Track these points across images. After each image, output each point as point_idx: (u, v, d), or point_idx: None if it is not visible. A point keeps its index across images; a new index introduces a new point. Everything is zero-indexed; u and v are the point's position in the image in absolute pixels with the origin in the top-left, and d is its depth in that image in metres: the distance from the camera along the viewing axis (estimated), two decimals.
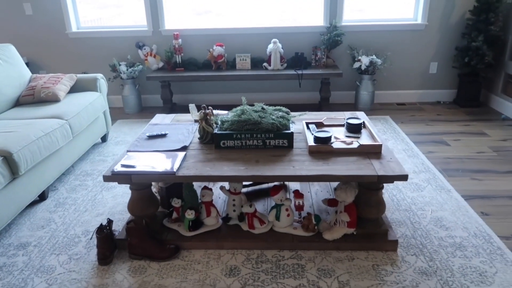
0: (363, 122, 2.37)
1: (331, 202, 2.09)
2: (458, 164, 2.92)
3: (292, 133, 2.12)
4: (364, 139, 2.20)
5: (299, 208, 2.08)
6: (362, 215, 2.02)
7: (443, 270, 1.87)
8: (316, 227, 2.03)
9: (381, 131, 3.55)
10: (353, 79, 4.30)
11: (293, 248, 2.01)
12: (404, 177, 1.83)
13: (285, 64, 4.07)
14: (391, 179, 1.85)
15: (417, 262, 1.92)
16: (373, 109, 4.19)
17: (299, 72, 3.90)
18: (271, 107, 2.31)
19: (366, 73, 4.07)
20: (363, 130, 2.33)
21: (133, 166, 1.90)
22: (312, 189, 2.51)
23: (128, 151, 2.12)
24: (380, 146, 2.06)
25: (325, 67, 4.09)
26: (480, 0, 3.85)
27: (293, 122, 2.29)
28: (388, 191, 2.56)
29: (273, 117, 2.20)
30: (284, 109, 2.34)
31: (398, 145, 3.26)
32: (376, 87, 4.31)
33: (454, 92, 4.35)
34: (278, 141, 2.13)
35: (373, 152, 2.06)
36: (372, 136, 2.20)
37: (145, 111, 4.38)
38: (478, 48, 3.88)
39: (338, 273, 1.86)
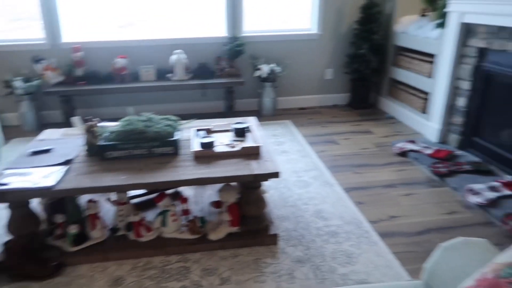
0: (248, 126, 2.53)
1: (216, 204, 2.20)
2: (344, 160, 3.21)
3: (177, 140, 2.21)
4: (248, 142, 2.35)
5: (186, 212, 2.16)
6: (245, 213, 2.16)
7: (316, 256, 2.06)
8: (202, 229, 2.13)
9: (281, 135, 3.78)
10: (256, 87, 4.51)
11: (180, 252, 2.09)
12: (275, 174, 2.00)
13: (190, 75, 4.16)
14: (265, 177, 2.01)
15: (295, 252, 2.09)
16: (276, 115, 4.43)
17: (203, 82, 4.02)
18: (159, 116, 2.38)
19: (267, 81, 4.30)
20: (248, 134, 2.49)
21: (5, 184, 1.85)
22: (206, 193, 2.61)
23: (5, 169, 2.06)
24: (259, 147, 2.22)
25: (229, 76, 4.25)
26: (364, 12, 4.27)
27: (180, 130, 2.38)
28: (278, 190, 2.74)
29: (159, 125, 2.27)
30: (172, 117, 2.41)
31: (294, 146, 3.50)
32: (278, 93, 4.56)
33: (348, 95, 4.74)
34: (164, 149, 2.20)
35: (254, 153, 2.22)
36: (255, 139, 2.36)
37: (45, 128, 4.19)
38: (364, 55, 4.30)
39: (221, 271, 1.97)
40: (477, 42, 2.93)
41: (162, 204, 2.08)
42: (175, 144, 2.21)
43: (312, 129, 3.95)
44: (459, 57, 3.13)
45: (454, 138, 3.28)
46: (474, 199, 2.46)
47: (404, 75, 4.06)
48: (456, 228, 2.31)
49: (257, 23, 4.45)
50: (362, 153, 3.36)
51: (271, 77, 4.28)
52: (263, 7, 4.41)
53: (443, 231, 2.27)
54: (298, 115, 4.42)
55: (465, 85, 3.09)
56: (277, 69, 4.24)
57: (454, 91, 3.24)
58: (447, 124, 3.36)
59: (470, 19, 2.94)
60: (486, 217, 2.40)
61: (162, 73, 4.19)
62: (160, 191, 2.17)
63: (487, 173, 2.81)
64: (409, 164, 3.13)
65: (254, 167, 2.04)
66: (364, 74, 4.39)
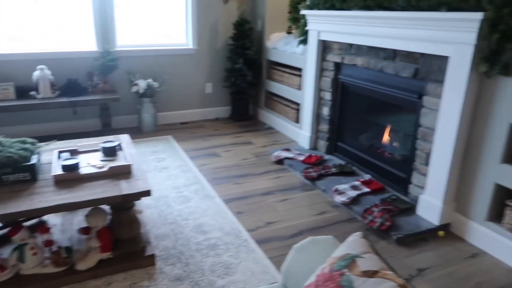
0: (119, 144, 2.41)
1: (84, 230, 2.03)
2: (225, 172, 3.27)
3: (33, 164, 1.99)
4: (119, 161, 2.24)
5: (48, 243, 1.95)
6: (118, 237, 2.04)
7: (195, 272, 2.04)
8: (68, 260, 1.94)
9: (161, 151, 3.69)
10: (135, 103, 4.35)
11: None
12: (147, 193, 1.93)
13: (57, 92, 3.82)
14: (135, 196, 1.93)
15: (173, 271, 2.04)
16: (158, 130, 4.32)
17: (73, 99, 3.72)
18: (12, 140, 2.12)
19: (145, 96, 4.17)
20: (120, 153, 2.37)
21: None
22: (76, 219, 2.40)
23: None
24: (130, 166, 2.13)
25: (103, 93, 4.01)
26: (237, 28, 4.44)
27: (39, 153, 2.15)
28: (158, 207, 2.66)
29: (12, 150, 2.02)
30: (29, 140, 2.18)
31: (175, 162, 3.44)
32: (158, 109, 4.46)
33: (229, 108, 4.87)
34: (18, 175, 1.97)
35: (124, 172, 2.11)
36: (126, 158, 2.25)
37: None
38: (240, 70, 4.46)
39: None
40: (333, 57, 3.27)
41: (18, 238, 1.85)
42: (31, 169, 1.99)
43: (194, 143, 3.95)
44: (320, 71, 3.44)
45: (322, 144, 3.58)
46: (339, 199, 2.70)
47: (278, 88, 4.32)
48: (326, 227, 2.51)
49: (132, 37, 4.31)
50: (242, 164, 3.46)
51: (149, 93, 4.16)
52: (137, 22, 4.29)
53: (314, 231, 2.45)
54: (180, 130, 4.37)
55: (327, 95, 3.41)
56: (155, 84, 4.15)
57: (319, 101, 3.55)
58: (316, 132, 3.66)
59: (325, 37, 3.26)
60: (350, 214, 2.65)
61: (24, 91, 3.77)
62: (16, 223, 1.93)
63: (350, 174, 3.13)
64: (285, 171, 3.32)
65: (123, 187, 1.95)
66: (242, 87, 4.55)
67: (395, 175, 2.85)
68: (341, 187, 2.86)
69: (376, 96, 2.97)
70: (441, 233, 2.40)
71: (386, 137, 3.15)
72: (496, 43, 1.92)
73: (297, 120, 4.03)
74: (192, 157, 3.57)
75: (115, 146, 2.32)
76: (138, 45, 4.33)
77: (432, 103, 2.41)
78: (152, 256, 2.08)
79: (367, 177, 3.02)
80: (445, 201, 2.38)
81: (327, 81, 3.38)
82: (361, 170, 3.19)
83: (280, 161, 3.47)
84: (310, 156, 3.41)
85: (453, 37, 2.13)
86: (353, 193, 2.77)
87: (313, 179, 3.04)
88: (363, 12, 2.72)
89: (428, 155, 2.49)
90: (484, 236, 2.25)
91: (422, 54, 2.43)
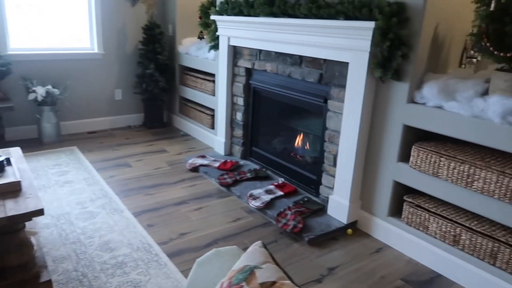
0: (7, 159, 2.14)
1: None
2: (136, 183, 3.10)
3: None
4: (6, 178, 1.98)
5: None
6: (6, 264, 1.80)
7: None
8: None
9: (65, 163, 3.39)
10: (33, 112, 3.95)
11: None
12: (38, 212, 1.73)
13: None
14: (24, 217, 1.72)
15: None
16: (62, 141, 3.97)
17: None
18: None
19: (45, 104, 3.81)
20: (8, 168, 2.10)
21: None
22: None
23: None
24: (19, 183, 1.90)
25: None
26: (147, 32, 4.27)
27: None
28: (58, 226, 2.42)
29: None
30: None
31: (80, 175, 3.18)
32: (61, 117, 4.10)
33: (142, 115, 4.66)
34: None
35: (12, 190, 1.87)
36: (15, 174, 2.01)
37: None
38: (151, 75, 4.29)
39: None
40: (244, 63, 3.28)
41: None
42: None
43: (102, 154, 3.69)
44: (232, 76, 3.44)
45: (238, 149, 3.57)
46: (254, 204, 2.70)
47: (192, 94, 4.24)
48: (240, 233, 2.48)
49: (28, 40, 3.91)
50: (155, 173, 3.31)
51: (49, 100, 3.81)
52: (34, 23, 3.91)
53: (229, 239, 2.41)
54: (88, 140, 4.07)
55: (240, 101, 3.42)
56: (55, 91, 3.81)
57: (232, 107, 3.54)
58: (230, 137, 3.64)
59: (235, 43, 3.27)
60: (265, 218, 2.66)
61: None
62: None
63: (265, 178, 3.15)
64: (200, 178, 3.25)
65: (9, 208, 1.72)
66: (154, 93, 4.38)
67: (307, 177, 2.94)
68: (256, 192, 2.86)
69: (287, 101, 3.04)
70: (349, 231, 2.51)
71: (298, 141, 3.23)
72: (387, 50, 2.06)
73: (212, 126, 3.98)
74: (100, 169, 3.33)
75: (2, 161, 2.06)
76: (35, 48, 3.95)
77: (336, 107, 2.52)
78: (49, 282, 1.86)
79: (281, 180, 3.07)
80: (351, 200, 2.50)
81: (239, 86, 3.39)
82: (275, 174, 3.23)
83: (195, 169, 3.39)
84: (225, 162, 3.38)
85: (351, 44, 2.25)
86: (267, 197, 2.79)
87: (228, 186, 3.01)
88: (270, 19, 2.77)
89: (335, 156, 2.60)
90: (387, 231, 2.40)
91: (325, 60, 2.54)
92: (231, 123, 3.60)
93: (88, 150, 3.77)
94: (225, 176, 3.12)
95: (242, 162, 3.46)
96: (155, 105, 4.52)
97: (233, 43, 3.29)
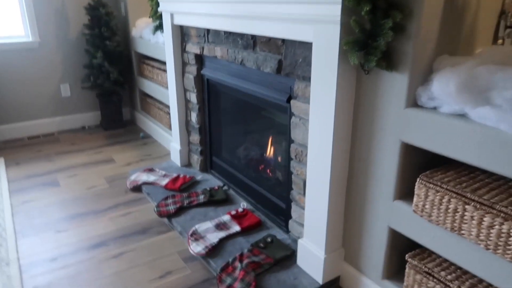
0: None
1: None
2: (53, 212, 2.34)
3: None
4: None
5: None
6: None
7: None
8: None
9: None
10: None
11: None
12: None
13: None
14: None
15: None
16: None
17: None
18: None
19: None
20: None
21: None
22: None
23: None
24: None
25: None
26: (91, 13, 3.45)
27: None
28: None
29: None
30: None
31: None
32: None
33: (99, 114, 3.89)
34: None
35: None
36: None
37: None
38: (100, 66, 3.50)
39: None
40: (192, 47, 2.44)
41: None
42: None
43: (31, 168, 2.95)
44: (182, 65, 2.61)
45: (196, 159, 2.77)
46: (194, 249, 1.91)
47: (149, 87, 3.43)
48: None
49: None
50: (84, 195, 2.55)
51: None
52: None
53: None
54: (24, 148, 3.33)
55: (193, 97, 2.60)
56: None
57: (186, 104, 2.72)
58: (187, 144, 2.84)
59: (180, 21, 2.42)
60: (207, 271, 1.87)
61: None
62: None
63: (223, 202, 2.35)
64: (140, 202, 2.47)
65: None
66: (105, 88, 3.60)
67: (275, 205, 2.12)
68: (202, 227, 2.07)
69: (245, 98, 2.20)
70: None
71: (269, 150, 2.41)
72: (369, 20, 1.20)
73: (171, 127, 3.19)
74: (15, 191, 2.59)
75: None
76: None
77: (302, 110, 1.68)
78: None
79: (243, 206, 2.26)
80: (328, 249, 1.68)
81: (190, 78, 2.56)
82: (239, 195, 2.43)
83: (137, 188, 2.61)
84: (176, 179, 2.59)
85: (314, 12, 1.39)
86: (216, 236, 1.99)
87: (169, 216, 2.22)
88: None
89: (304, 182, 1.78)
90: None
91: (284, 41, 1.68)
92: (186, 125, 2.79)
93: (16, 163, 3.03)
94: (169, 201, 2.33)
95: (200, 177, 2.66)
96: (110, 101, 3.73)
97: (177, 21, 2.45)
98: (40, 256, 1.95)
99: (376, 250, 1.56)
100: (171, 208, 2.26)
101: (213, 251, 1.90)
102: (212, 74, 2.39)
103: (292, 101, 1.73)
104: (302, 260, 1.79)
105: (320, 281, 1.70)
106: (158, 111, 3.38)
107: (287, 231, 2.03)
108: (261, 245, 1.91)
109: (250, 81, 2.03)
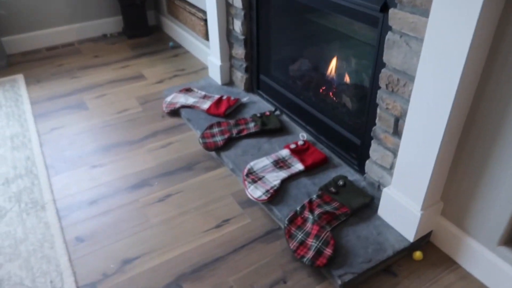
0: None
1: None
2: (81, 144, 2.06)
3: None
4: None
5: None
6: None
7: None
8: None
9: None
10: None
11: None
12: None
13: None
14: None
15: None
16: (9, 65, 2.90)
17: None
18: None
19: None
20: None
21: None
22: None
23: None
24: None
25: None
26: None
27: None
28: None
29: None
30: None
31: (8, 127, 2.17)
32: (4, 31, 2.97)
33: (121, 19, 3.40)
34: None
35: None
36: None
37: None
38: None
39: None
40: None
41: None
42: None
43: (53, 86, 2.61)
44: None
45: (239, 77, 2.36)
46: (253, 193, 1.62)
47: None
48: (224, 258, 1.46)
49: None
50: (116, 121, 2.23)
51: None
52: None
53: (204, 272, 1.40)
54: (43, 62, 2.96)
55: (237, 1, 2.08)
56: None
57: (227, 9, 2.22)
58: (229, 59, 2.40)
59: None
60: (270, 220, 1.60)
61: None
62: None
63: (277, 132, 2.00)
64: (181, 129, 2.15)
65: None
66: None
67: (345, 139, 1.76)
68: (258, 165, 1.75)
69: (309, 2, 1.70)
70: (417, 254, 1.42)
71: (331, 68, 1.97)
72: None
73: (206, 37, 2.72)
74: (40, 115, 2.30)
75: None
76: None
77: (407, 23, 1.20)
78: None
79: (302, 138, 1.91)
80: (425, 204, 1.34)
81: None
82: (295, 122, 2.06)
83: (174, 112, 2.27)
84: (219, 102, 2.22)
85: None
86: (276, 177, 1.68)
87: (217, 148, 1.90)
88: None
89: (397, 119, 1.38)
90: (494, 268, 1.28)
91: None
92: (227, 36, 2.32)
93: (36, 80, 2.70)
94: (215, 131, 1.99)
95: (246, 98, 2.27)
96: (133, 4, 3.21)
97: None
98: (77, 198, 1.71)
99: (495, 213, 1.22)
100: (219, 139, 1.93)
101: (275, 195, 1.61)
102: None
103: (391, 11, 1.24)
104: (386, 212, 1.48)
105: (411, 238, 1.41)
106: (190, 16, 2.87)
107: (360, 171, 1.70)
108: (332, 189, 1.59)
109: None
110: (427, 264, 1.40)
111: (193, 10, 2.78)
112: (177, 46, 3.17)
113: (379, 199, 1.56)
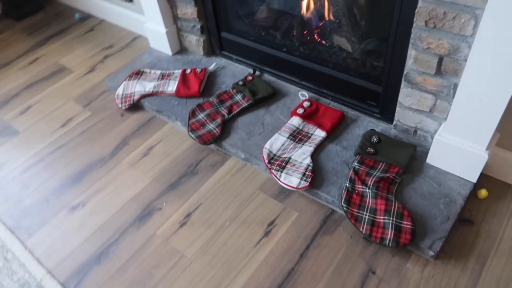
0: None
1: None
2: (36, 192, 1.60)
3: None
4: None
5: None
6: None
7: None
8: None
9: None
10: None
11: None
12: None
13: None
14: None
15: None
16: None
17: None
18: None
19: None
20: None
21: None
22: None
23: None
24: None
25: None
26: None
27: None
28: None
29: None
30: None
31: None
32: None
33: None
34: None
35: None
36: None
37: None
38: None
39: None
40: None
41: None
42: None
43: None
44: None
45: (195, 41, 1.96)
46: (289, 181, 1.38)
47: None
48: (291, 277, 1.26)
49: None
50: (66, 139, 1.76)
51: None
52: None
53: None
54: None
55: None
56: None
57: None
58: (174, 21, 1.96)
59: None
60: (317, 207, 1.41)
61: None
62: None
63: (270, 98, 1.72)
64: (156, 127, 1.76)
65: None
66: None
67: (357, 86, 1.55)
68: (275, 145, 1.50)
69: None
70: (483, 193, 1.35)
71: (312, 7, 1.68)
72: None
73: None
74: None
75: None
76: None
77: None
78: None
79: (303, 97, 1.67)
80: (492, 141, 1.24)
81: None
82: (283, 79, 1.79)
83: (136, 105, 1.85)
84: (185, 78, 1.83)
85: None
86: (303, 154, 1.45)
87: (216, 139, 1.59)
88: None
89: (441, 59, 1.19)
90: None
91: None
92: None
93: None
94: (201, 117, 1.66)
95: (212, 65, 1.91)
96: None
97: None
98: (76, 259, 1.34)
99: None
100: (212, 127, 1.61)
101: (314, 177, 1.40)
102: None
103: None
104: (440, 158, 1.35)
105: (474, 179, 1.32)
106: None
107: (384, 119, 1.54)
108: (370, 150, 1.42)
109: None
110: (494, 199, 1.34)
111: None
112: (86, 16, 2.56)
113: (420, 145, 1.43)
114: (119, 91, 1.86)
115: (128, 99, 1.83)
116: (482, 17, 1.00)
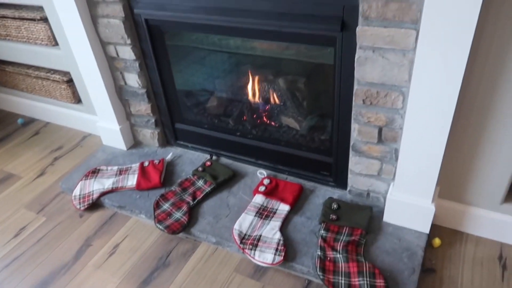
0: None
1: None
2: None
3: None
4: None
5: None
6: None
7: None
8: None
9: None
10: None
11: None
12: None
13: None
14: None
15: None
16: None
17: None
18: None
19: None
20: None
21: None
22: None
23: None
24: None
25: None
26: None
27: None
28: None
29: None
30: None
31: None
32: None
33: None
34: None
35: None
36: None
37: None
38: None
39: None
40: None
41: None
42: None
43: None
44: (87, 5, 1.68)
45: (150, 134, 2.03)
46: (264, 258, 1.42)
47: (6, 50, 2.27)
48: None
49: None
50: (22, 249, 1.66)
51: None
52: None
53: None
54: None
55: (127, 53, 1.75)
56: None
57: (111, 64, 1.85)
58: (127, 118, 2.04)
59: None
60: (294, 280, 1.44)
61: None
62: None
63: (230, 181, 1.80)
64: (119, 224, 1.74)
65: None
66: None
67: (309, 160, 1.70)
68: (244, 225, 1.55)
69: (233, 33, 1.54)
70: (437, 242, 1.49)
71: (258, 94, 1.86)
72: None
73: (76, 99, 2.25)
74: None
75: None
76: None
77: (380, 37, 1.19)
78: None
79: (261, 176, 1.78)
80: (434, 195, 1.41)
81: (115, 25, 1.68)
82: (240, 161, 1.90)
83: (95, 204, 1.82)
84: (144, 171, 1.87)
85: None
86: (272, 229, 1.52)
87: (184, 227, 1.60)
88: None
89: (381, 129, 1.38)
90: (504, 225, 1.44)
91: None
92: (118, 94, 1.95)
93: None
94: (166, 207, 1.68)
95: (169, 155, 1.97)
96: None
97: None
98: None
99: (494, 176, 1.36)
100: (179, 215, 1.63)
101: (287, 250, 1.46)
102: (150, 10, 1.58)
103: (359, 28, 1.21)
104: (394, 215, 1.50)
105: (426, 230, 1.46)
106: (39, 82, 2.32)
107: (338, 186, 1.68)
108: (333, 217, 1.53)
109: (252, 10, 1.38)
110: (447, 246, 1.49)
111: (42, 74, 2.25)
112: (29, 121, 2.54)
113: (375, 206, 1.58)
114: (76, 191, 1.84)
115: (86, 198, 1.80)
116: (409, 93, 1.21)
